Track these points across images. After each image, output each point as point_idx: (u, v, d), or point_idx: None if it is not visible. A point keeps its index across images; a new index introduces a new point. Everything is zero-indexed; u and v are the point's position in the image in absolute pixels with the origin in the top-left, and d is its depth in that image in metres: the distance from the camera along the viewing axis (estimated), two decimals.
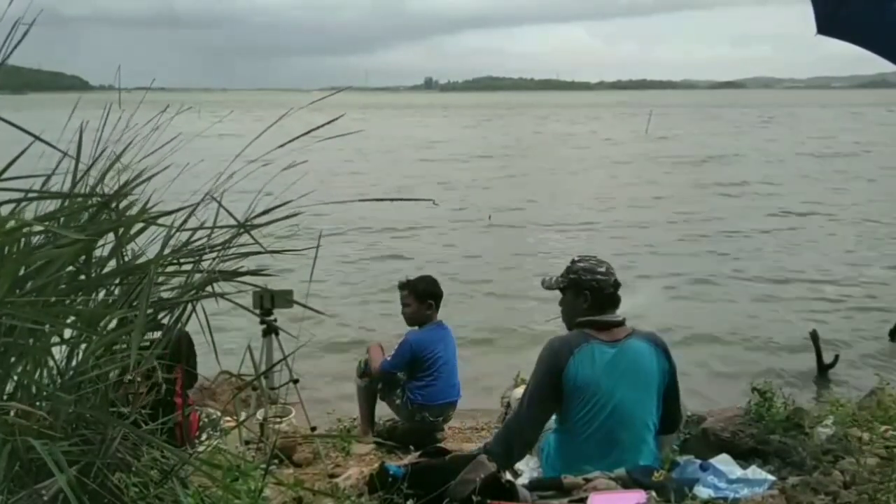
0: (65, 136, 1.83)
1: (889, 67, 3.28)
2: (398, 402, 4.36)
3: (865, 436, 3.29)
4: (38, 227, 1.69)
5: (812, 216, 13.77)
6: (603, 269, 3.08)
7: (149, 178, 1.88)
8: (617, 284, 3.09)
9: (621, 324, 3.07)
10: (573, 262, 3.16)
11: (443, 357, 4.40)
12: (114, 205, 1.80)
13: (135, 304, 1.79)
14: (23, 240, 1.70)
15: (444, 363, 4.40)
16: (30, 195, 1.68)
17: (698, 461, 2.97)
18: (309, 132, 1.95)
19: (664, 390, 3.08)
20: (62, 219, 1.78)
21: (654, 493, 2.74)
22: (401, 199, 2.52)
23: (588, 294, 3.07)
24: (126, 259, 1.88)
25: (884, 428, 3.39)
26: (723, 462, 3.00)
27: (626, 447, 3.01)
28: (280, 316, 4.03)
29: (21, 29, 1.70)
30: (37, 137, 1.64)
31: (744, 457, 3.13)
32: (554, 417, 3.17)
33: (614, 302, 3.09)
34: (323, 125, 1.99)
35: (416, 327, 4.43)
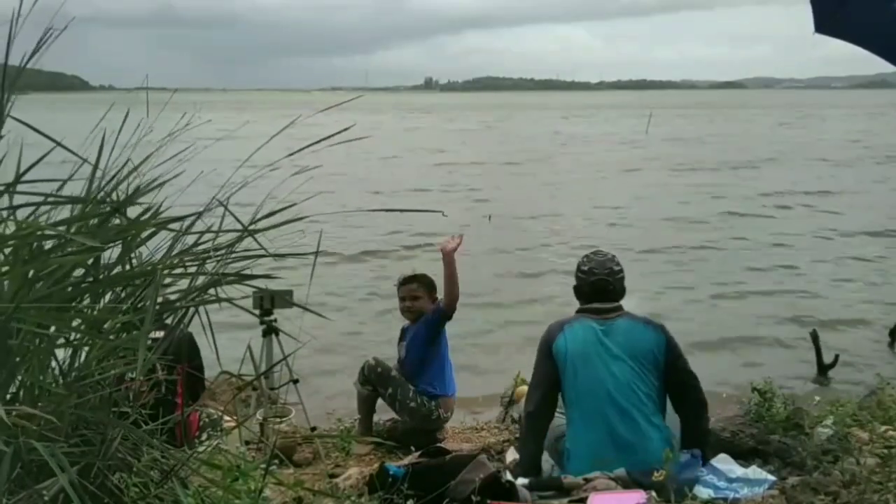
0: (69, 139, 1.83)
1: (889, 68, 3.28)
2: (413, 404, 4.27)
3: (865, 436, 3.30)
4: (49, 232, 1.70)
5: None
6: (585, 269, 3.29)
7: (161, 185, 1.89)
8: (599, 282, 3.23)
9: (614, 309, 3.23)
10: (583, 256, 3.40)
11: (446, 348, 4.41)
12: (124, 212, 1.81)
13: (140, 306, 1.79)
14: (34, 244, 1.71)
15: (447, 354, 4.41)
16: (45, 200, 1.69)
17: (689, 452, 2.97)
18: (318, 141, 1.95)
19: (665, 367, 3.11)
20: (75, 224, 1.78)
21: (654, 493, 2.74)
22: (407, 210, 2.51)
23: (586, 292, 3.29)
24: (133, 263, 1.88)
25: (884, 428, 3.39)
26: (723, 462, 3.00)
27: (630, 420, 3.04)
28: (280, 316, 4.03)
29: (35, 30, 1.71)
30: (58, 143, 1.66)
31: (744, 457, 3.14)
32: (563, 415, 3.24)
33: (600, 294, 3.24)
34: (333, 135, 1.98)
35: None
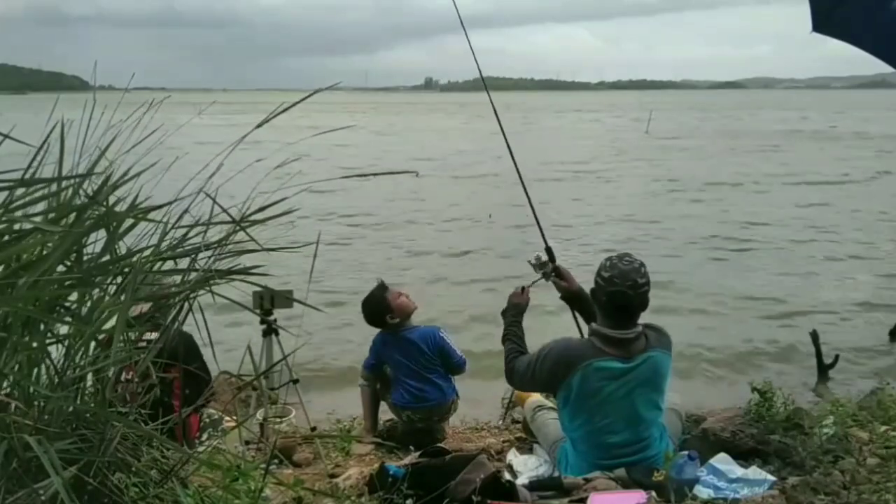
0: (61, 137, 1.82)
1: (888, 68, 3.28)
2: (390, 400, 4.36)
3: (865, 436, 3.30)
4: (27, 226, 1.69)
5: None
6: (606, 276, 2.95)
7: (138, 174, 1.87)
8: (618, 295, 2.93)
9: (637, 338, 3.00)
10: (606, 259, 3.04)
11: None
12: (103, 201, 1.79)
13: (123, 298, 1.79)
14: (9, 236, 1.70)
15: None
16: (16, 184, 1.67)
17: (686, 451, 2.97)
18: (283, 111, 1.93)
19: None
20: (53, 200, 1.77)
21: (654, 493, 2.74)
22: (383, 174, 2.50)
23: (603, 303, 3.01)
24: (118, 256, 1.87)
25: (884, 428, 3.39)
26: (723, 462, 3.00)
27: (642, 445, 3.05)
28: (279, 315, 4.03)
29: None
30: (6, 136, 1.64)
31: (744, 457, 3.13)
32: (562, 424, 3.24)
33: (618, 310, 2.98)
34: (296, 102, 1.95)
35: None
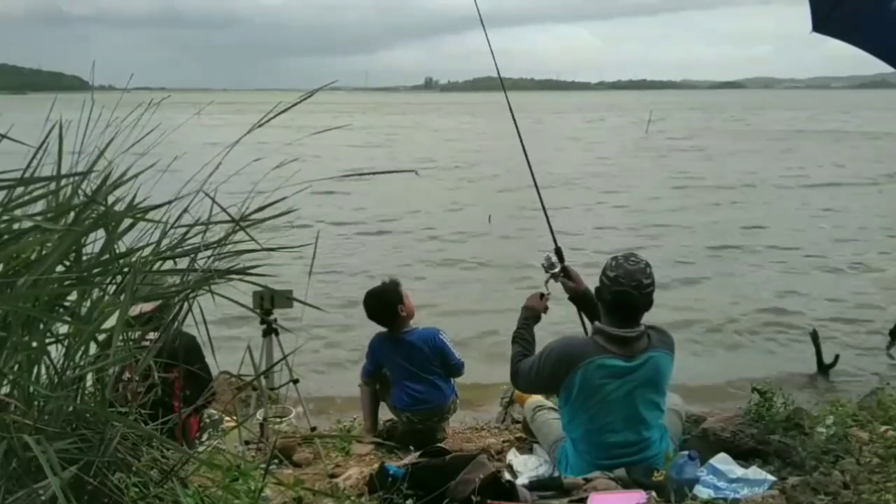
0: (62, 136, 1.81)
1: (888, 68, 3.28)
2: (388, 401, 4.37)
3: (865, 436, 3.30)
4: (27, 224, 1.69)
5: None
6: (611, 275, 2.97)
7: (137, 174, 1.87)
8: (623, 294, 2.94)
9: (639, 337, 3.01)
10: (612, 258, 3.07)
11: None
12: (102, 200, 1.79)
13: (122, 297, 1.79)
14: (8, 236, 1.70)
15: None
16: (16, 182, 1.67)
17: (686, 451, 2.97)
18: (283, 111, 1.92)
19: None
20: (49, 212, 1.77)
21: (654, 494, 2.74)
22: (383, 173, 2.51)
23: (607, 302, 3.02)
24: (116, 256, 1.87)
25: (884, 428, 3.39)
26: (723, 462, 3.00)
27: (642, 445, 3.04)
28: (279, 314, 4.03)
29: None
30: (3, 136, 1.64)
31: (744, 457, 3.13)
32: (563, 424, 3.23)
33: (621, 309, 2.98)
34: (293, 104, 1.94)
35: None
